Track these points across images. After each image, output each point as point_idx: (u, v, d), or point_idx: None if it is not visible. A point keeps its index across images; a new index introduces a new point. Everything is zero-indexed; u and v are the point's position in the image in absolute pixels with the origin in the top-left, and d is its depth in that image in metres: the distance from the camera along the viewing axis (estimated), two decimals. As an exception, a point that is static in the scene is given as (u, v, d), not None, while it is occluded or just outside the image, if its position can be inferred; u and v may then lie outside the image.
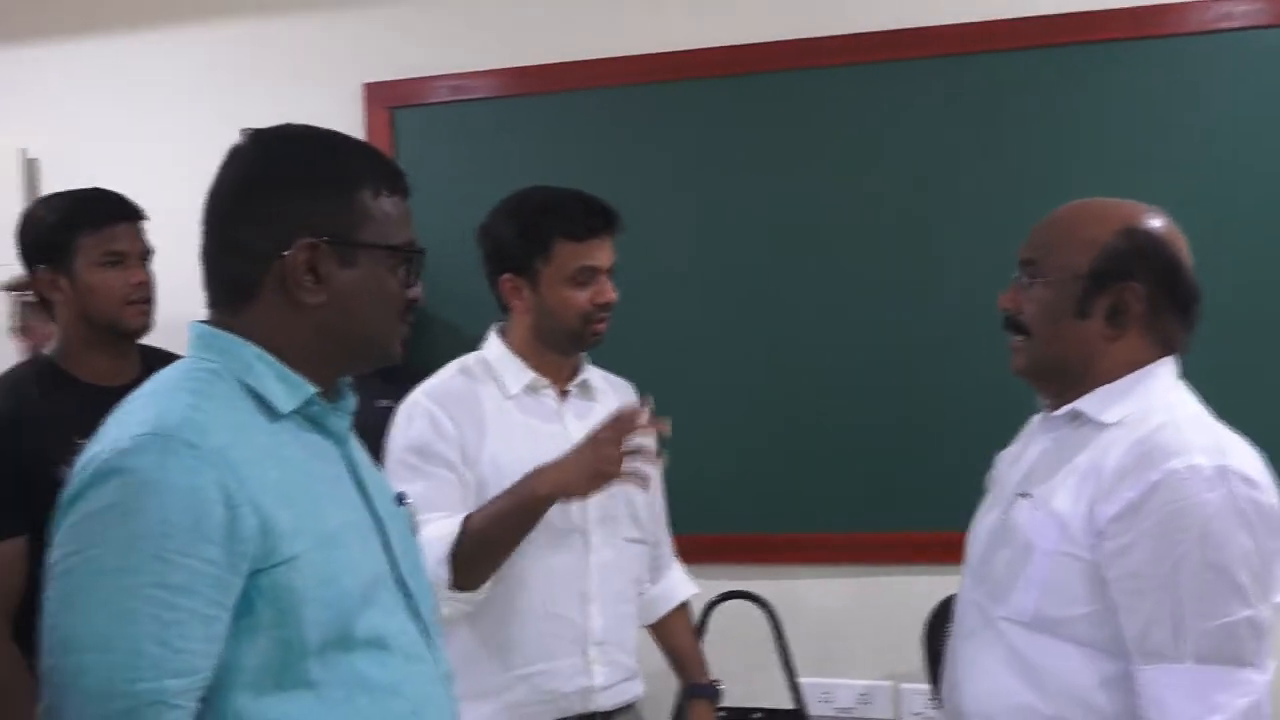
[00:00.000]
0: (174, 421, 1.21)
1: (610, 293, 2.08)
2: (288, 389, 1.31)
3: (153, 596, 1.16)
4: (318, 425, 1.36)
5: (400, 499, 1.49)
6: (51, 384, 2.16)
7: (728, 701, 2.49)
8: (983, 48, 2.76)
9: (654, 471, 2.05)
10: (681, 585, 2.35)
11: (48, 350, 2.24)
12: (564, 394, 2.13)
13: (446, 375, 2.14)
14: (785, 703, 2.71)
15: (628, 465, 1.92)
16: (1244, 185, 2.66)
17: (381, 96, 3.09)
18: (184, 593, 1.17)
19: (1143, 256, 1.58)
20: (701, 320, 2.92)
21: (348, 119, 3.05)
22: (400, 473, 1.99)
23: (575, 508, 2.04)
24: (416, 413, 2.05)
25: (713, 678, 2.34)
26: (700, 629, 2.72)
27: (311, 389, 1.33)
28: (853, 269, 2.84)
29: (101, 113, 3.26)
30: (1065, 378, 1.63)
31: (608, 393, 2.21)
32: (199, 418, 1.23)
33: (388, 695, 1.30)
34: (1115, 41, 2.71)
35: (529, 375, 2.09)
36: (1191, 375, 1.65)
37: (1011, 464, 1.74)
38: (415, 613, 1.39)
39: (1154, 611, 1.46)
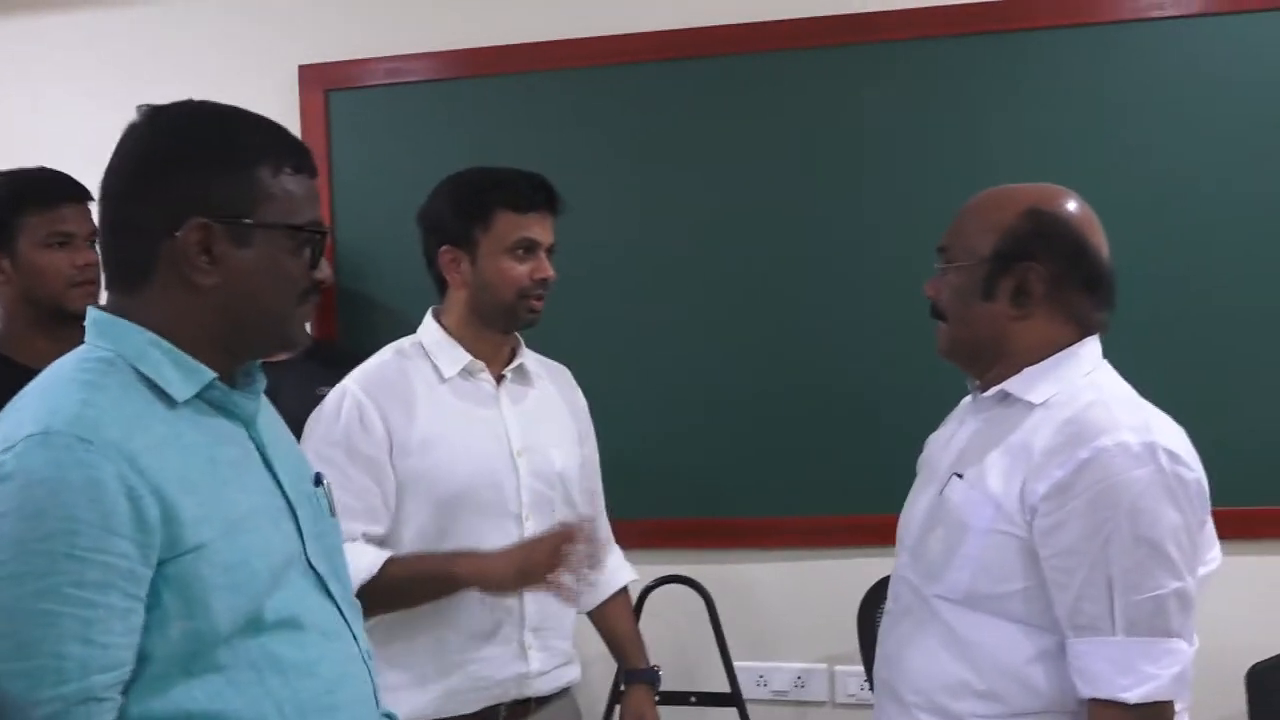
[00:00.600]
0: (65, 419, 1.19)
1: (549, 269, 2.07)
2: (184, 375, 1.28)
3: (70, 596, 1.14)
4: (221, 409, 1.33)
5: (318, 479, 1.47)
6: None
7: (664, 685, 2.51)
8: (937, 32, 2.76)
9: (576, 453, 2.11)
10: (620, 571, 2.35)
11: None
12: (500, 378, 2.12)
13: (379, 360, 2.12)
14: (721, 686, 2.73)
15: (554, 576, 1.89)
16: (1185, 175, 2.69)
17: (316, 79, 3.05)
18: (101, 589, 1.15)
19: (1044, 237, 1.61)
20: (639, 305, 2.91)
21: (282, 102, 3.01)
22: (321, 466, 1.97)
23: (510, 493, 2.04)
24: (346, 404, 2.02)
25: (651, 663, 2.35)
26: (636, 614, 2.74)
27: (209, 374, 1.30)
28: (792, 254, 2.85)
29: (26, 95, 3.19)
30: (982, 358, 1.68)
31: (544, 378, 2.21)
32: (90, 413, 1.20)
33: (301, 675, 1.28)
34: (1097, 26, 2.71)
35: (465, 358, 2.08)
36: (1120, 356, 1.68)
37: (944, 446, 1.77)
38: (327, 592, 1.37)
39: (1085, 586, 1.49)
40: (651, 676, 2.33)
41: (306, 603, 1.33)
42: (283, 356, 2.82)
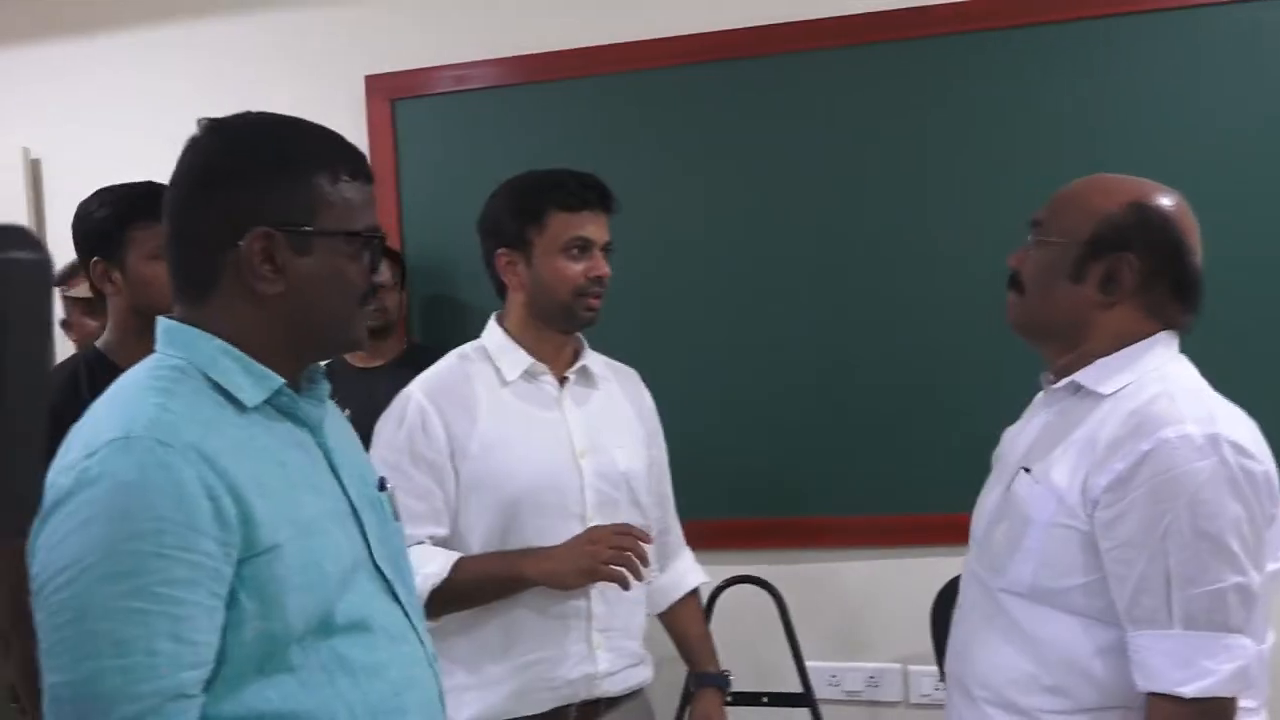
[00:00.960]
0: (144, 423, 1.21)
1: (604, 267, 2.08)
2: (254, 381, 1.31)
3: (160, 594, 1.16)
4: (289, 415, 1.36)
5: (382, 484, 1.49)
6: (100, 376, 2.16)
7: (735, 685, 2.50)
8: (976, 26, 2.75)
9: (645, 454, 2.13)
10: (691, 573, 2.35)
11: (98, 344, 2.25)
12: (563, 380, 2.13)
13: (443, 366, 2.14)
14: (794, 686, 2.72)
15: (617, 568, 1.92)
16: (1247, 166, 2.65)
17: (382, 88, 3.09)
18: (189, 586, 1.18)
19: (1144, 230, 1.60)
20: (707, 305, 2.92)
21: (350, 112, 3.06)
22: (385, 471, 2.00)
23: (573, 494, 2.05)
24: (410, 410, 2.06)
25: (723, 668, 2.34)
26: (707, 615, 2.74)
27: (278, 380, 1.33)
28: (859, 253, 2.84)
29: (103, 111, 3.28)
30: (1055, 339, 1.67)
31: (610, 379, 2.21)
32: (167, 417, 1.23)
33: (370, 677, 1.30)
34: (1108, 17, 2.69)
35: (527, 361, 2.09)
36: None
37: (1015, 440, 1.77)
38: (394, 596, 1.39)
39: (1143, 579, 1.49)
40: (721, 681, 2.32)
41: (374, 606, 1.35)
42: (378, 362, 2.91)
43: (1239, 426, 1.54)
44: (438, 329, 3.03)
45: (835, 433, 2.85)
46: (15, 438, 0.75)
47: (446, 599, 1.94)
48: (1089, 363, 1.63)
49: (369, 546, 1.38)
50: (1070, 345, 1.65)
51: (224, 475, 1.22)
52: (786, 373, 2.88)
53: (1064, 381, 1.66)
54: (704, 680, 2.32)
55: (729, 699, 2.40)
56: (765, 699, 2.75)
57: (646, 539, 1.98)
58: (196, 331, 1.32)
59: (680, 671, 2.51)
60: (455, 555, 1.99)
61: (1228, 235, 2.55)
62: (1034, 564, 1.58)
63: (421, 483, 2.01)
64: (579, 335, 2.19)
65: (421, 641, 1.41)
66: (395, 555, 1.44)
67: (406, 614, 1.40)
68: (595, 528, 1.99)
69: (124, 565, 1.16)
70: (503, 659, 2.02)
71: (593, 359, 2.19)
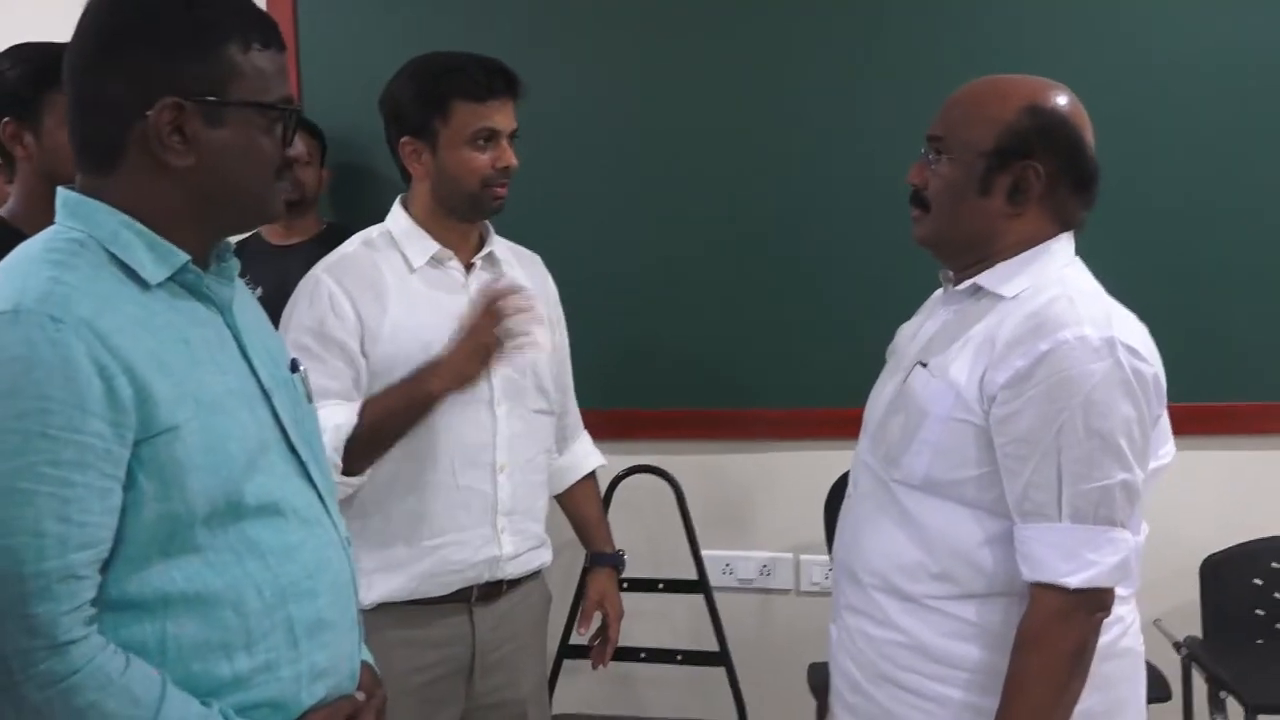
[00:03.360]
0: (35, 296, 1.17)
1: (511, 157, 2.05)
2: (157, 258, 1.27)
3: (47, 475, 1.14)
4: (195, 293, 1.31)
5: (294, 365, 1.46)
6: (4, 245, 2.07)
7: (632, 573, 2.55)
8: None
9: (548, 338, 2.11)
10: (589, 456, 2.38)
11: (2, 211, 2.14)
12: (470, 266, 2.12)
13: (349, 249, 2.11)
14: (689, 574, 2.77)
15: (509, 339, 1.92)
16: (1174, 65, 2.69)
17: (282, -40, 2.96)
18: (77, 467, 1.15)
19: (1045, 134, 1.60)
20: (616, 193, 2.89)
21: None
22: (296, 352, 1.98)
23: (483, 382, 2.04)
24: (319, 292, 2.03)
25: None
26: (606, 503, 2.77)
27: (183, 256, 1.28)
28: (767, 142, 2.83)
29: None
30: (967, 252, 1.67)
31: (514, 264, 2.20)
32: (60, 290, 1.18)
33: (281, 559, 1.29)
34: None
35: (434, 247, 2.08)
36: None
37: (912, 336, 1.78)
38: (309, 478, 1.38)
39: (1035, 473, 1.52)
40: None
41: (286, 488, 1.33)
42: (294, 240, 2.83)
43: (1132, 330, 1.58)
44: (344, 207, 2.97)
45: (736, 327, 2.87)
46: None
47: (364, 445, 1.94)
48: (990, 265, 1.64)
49: (282, 428, 1.35)
50: (979, 256, 1.65)
51: (118, 353, 1.18)
52: (689, 265, 2.88)
53: (965, 284, 1.67)
54: (599, 560, 2.36)
55: (624, 583, 2.44)
56: (661, 585, 2.81)
57: (520, 295, 1.96)
58: (98, 204, 1.26)
59: (577, 555, 2.54)
60: (358, 401, 1.98)
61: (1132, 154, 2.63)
62: (929, 456, 1.60)
63: (333, 364, 2.00)
64: (485, 221, 2.17)
65: (335, 524, 1.40)
66: (310, 437, 1.42)
67: (320, 496, 1.39)
68: (466, 321, 1.96)
69: (8, 444, 1.13)
70: (411, 542, 2.03)
71: (499, 245, 2.17)
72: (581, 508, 2.38)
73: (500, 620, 2.12)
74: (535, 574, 2.20)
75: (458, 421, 2.02)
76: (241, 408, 1.30)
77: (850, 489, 1.81)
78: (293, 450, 1.36)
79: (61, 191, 1.29)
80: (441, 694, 2.09)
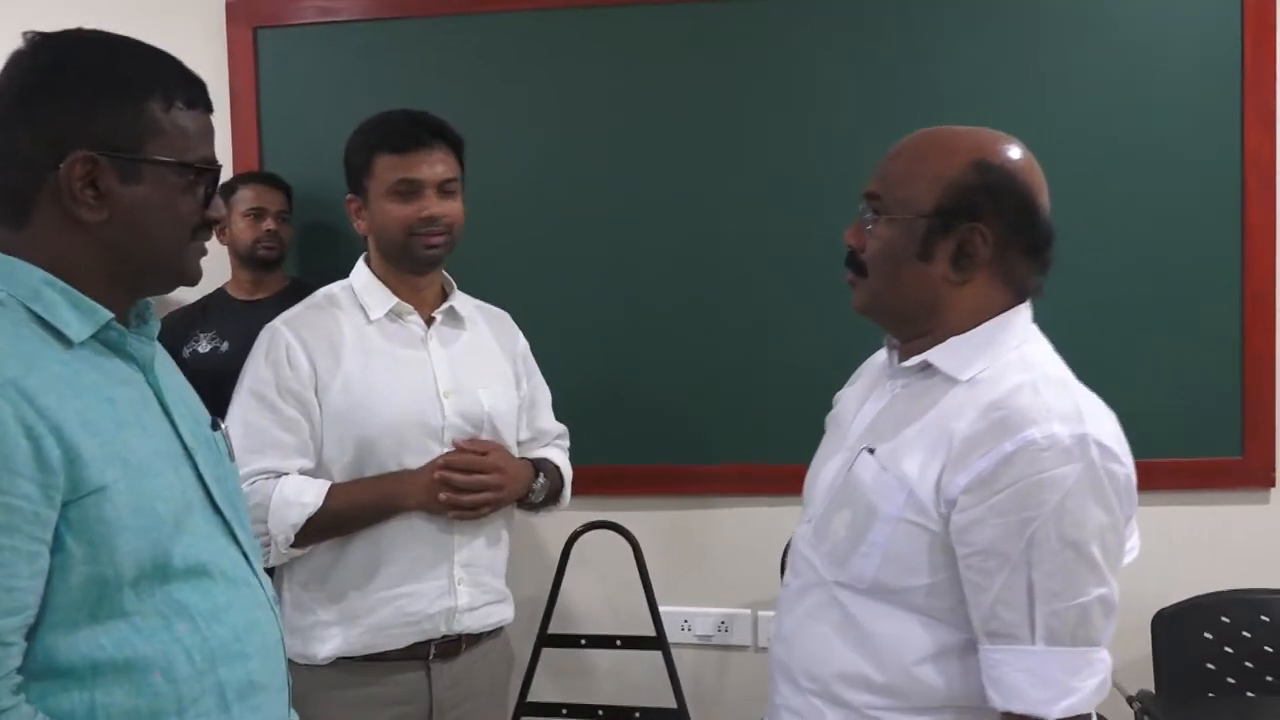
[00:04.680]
0: None
1: (435, 206, 2.06)
2: (80, 315, 1.24)
3: None
4: (117, 351, 1.29)
5: (215, 424, 1.43)
6: None
7: (590, 629, 2.54)
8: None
9: (508, 392, 2.18)
10: (546, 450, 2.29)
11: None
12: (430, 321, 2.13)
13: (310, 303, 2.14)
14: (647, 630, 2.76)
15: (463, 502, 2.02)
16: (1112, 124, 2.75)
17: (244, 15, 2.99)
18: (4, 531, 1.12)
19: (993, 193, 1.44)
20: (579, 253, 2.92)
21: (209, 38, 2.95)
22: (251, 404, 2.02)
23: (435, 432, 2.06)
24: (275, 343, 2.06)
25: (543, 481, 2.21)
26: (564, 558, 2.76)
27: (106, 314, 1.26)
28: (721, 205, 2.87)
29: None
30: (909, 321, 1.52)
31: (479, 321, 2.21)
32: None
33: (209, 621, 1.26)
34: None
35: (392, 300, 2.10)
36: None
37: (855, 409, 1.63)
38: (234, 537, 1.35)
39: (1004, 590, 1.37)
40: (538, 466, 2.20)
41: (212, 548, 1.30)
42: (261, 295, 2.84)
43: (1104, 423, 1.42)
44: (309, 263, 2.98)
45: (694, 383, 2.89)
46: None
47: (320, 527, 1.98)
48: (942, 340, 1.49)
49: (205, 487, 1.33)
50: (923, 326, 1.50)
51: (45, 414, 1.15)
52: (649, 324, 2.90)
53: (915, 360, 1.51)
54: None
55: (582, 640, 2.41)
56: (619, 642, 2.80)
57: (495, 469, 2.04)
58: (17, 261, 1.23)
59: (535, 612, 2.53)
60: (327, 484, 2.00)
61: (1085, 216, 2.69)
62: (878, 559, 1.45)
63: (288, 415, 2.01)
64: (446, 276, 2.19)
65: (261, 584, 1.37)
66: (233, 495, 1.39)
67: (245, 556, 1.36)
68: (454, 453, 2.04)
69: None
70: (367, 592, 2.03)
71: (461, 300, 2.18)
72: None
73: (458, 678, 2.10)
74: (496, 631, 2.19)
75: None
76: (167, 468, 1.28)
77: (789, 577, 1.64)
78: (216, 510, 1.34)
79: None
80: None
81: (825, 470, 1.61)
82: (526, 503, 2.18)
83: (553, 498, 2.26)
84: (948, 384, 1.47)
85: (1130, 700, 2.59)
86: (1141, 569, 2.68)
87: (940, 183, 1.45)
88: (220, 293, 2.93)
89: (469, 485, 2.02)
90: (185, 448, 1.32)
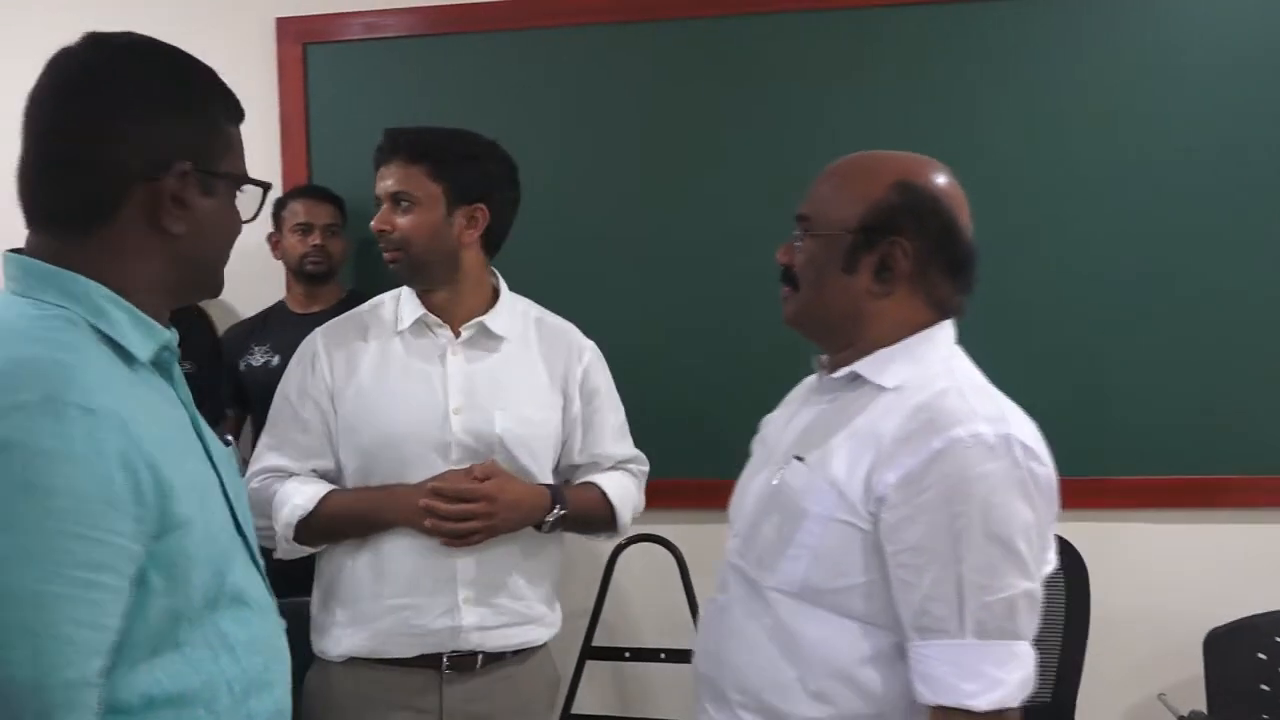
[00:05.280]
0: (59, 383, 1.09)
1: (375, 220, 2.05)
2: (142, 334, 1.22)
3: (75, 578, 1.07)
4: (164, 372, 1.27)
5: (227, 440, 1.40)
6: None
7: (634, 642, 2.53)
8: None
9: (542, 412, 2.13)
10: (604, 476, 2.21)
11: None
12: (459, 334, 2.11)
13: (353, 312, 2.20)
14: (691, 643, 2.75)
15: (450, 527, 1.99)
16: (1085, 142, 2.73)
17: (294, 32, 3.03)
18: (103, 570, 1.09)
19: (914, 212, 1.50)
20: (617, 269, 2.93)
21: (259, 54, 2.99)
22: (279, 404, 2.11)
23: (440, 449, 2.05)
24: (305, 351, 2.13)
25: (559, 511, 2.11)
26: (608, 571, 2.76)
27: (165, 333, 1.25)
28: (756, 221, 2.86)
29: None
30: (834, 333, 1.58)
31: (529, 338, 2.16)
32: (82, 378, 1.11)
33: (247, 651, 1.25)
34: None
35: (419, 311, 2.10)
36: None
37: (783, 427, 1.66)
38: (254, 560, 1.33)
39: (934, 585, 1.38)
40: (556, 494, 2.11)
41: (245, 574, 1.28)
42: (317, 308, 2.88)
43: (1025, 427, 1.45)
44: (366, 275, 3.02)
45: (739, 397, 2.87)
46: None
47: (316, 529, 2.02)
48: (869, 352, 1.54)
49: (230, 509, 1.30)
50: (850, 338, 1.56)
51: (138, 444, 1.12)
52: (693, 337, 2.90)
53: (842, 371, 1.56)
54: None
55: (627, 653, 2.39)
56: (663, 655, 2.79)
57: (484, 497, 1.99)
58: (75, 276, 1.19)
59: (582, 626, 2.52)
60: (326, 489, 2.04)
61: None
62: (807, 560, 1.47)
63: (305, 417, 2.08)
64: (500, 287, 2.17)
65: (276, 607, 1.36)
66: (248, 515, 1.36)
67: (263, 578, 1.34)
68: (450, 473, 2.01)
69: (37, 545, 1.06)
70: (374, 599, 2.04)
71: (502, 315, 2.14)
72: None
73: (476, 693, 2.06)
74: (525, 651, 2.12)
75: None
76: (214, 493, 1.26)
77: (715, 594, 1.64)
78: (239, 531, 1.31)
79: (15, 257, 1.22)
80: None
81: (753, 485, 1.64)
82: (543, 528, 2.09)
83: (584, 525, 2.19)
84: (875, 392, 1.51)
85: (1181, 720, 2.56)
86: (1193, 587, 2.68)
87: (865, 202, 1.51)
88: (279, 306, 2.97)
89: (453, 514, 1.98)
90: (215, 469, 1.30)
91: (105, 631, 1.10)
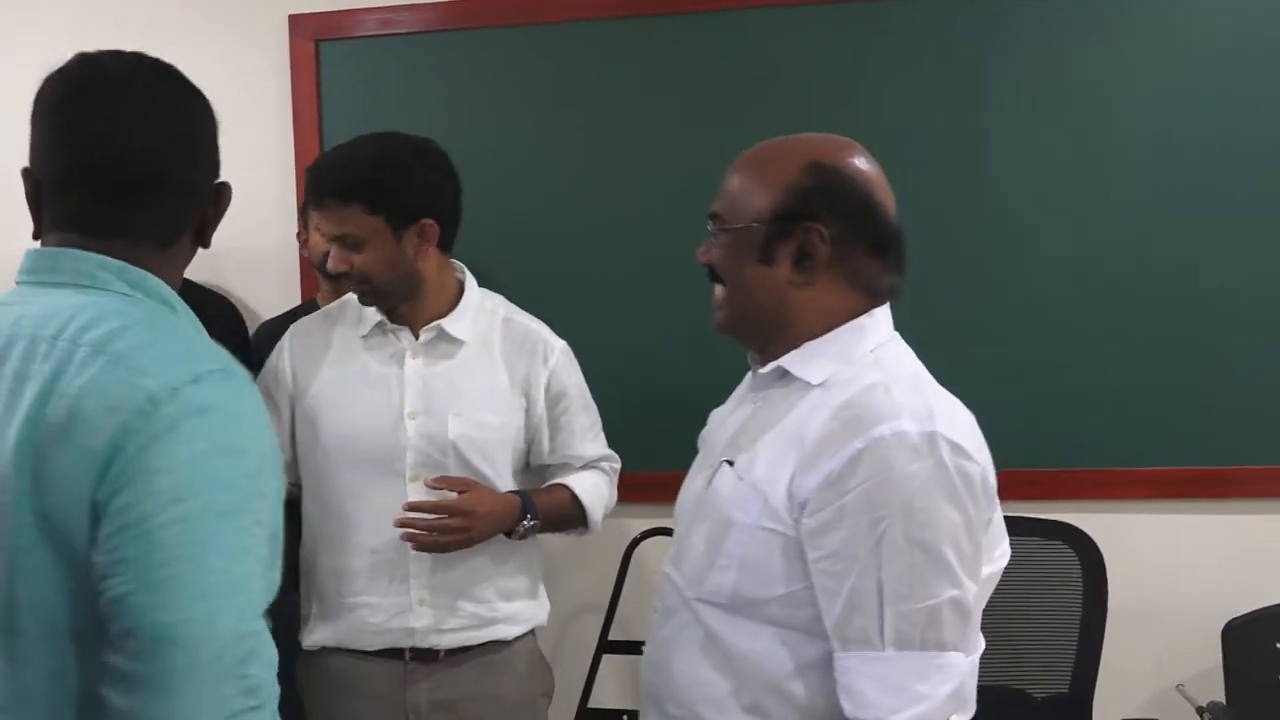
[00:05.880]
0: (222, 354, 1.22)
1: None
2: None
3: (255, 534, 1.16)
4: None
5: None
6: None
7: (641, 635, 2.52)
8: None
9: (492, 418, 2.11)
10: (575, 477, 2.21)
11: None
12: (418, 337, 2.12)
13: (326, 309, 2.24)
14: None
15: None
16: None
17: (307, 29, 3.03)
18: (264, 525, 1.18)
19: (829, 194, 1.43)
20: (626, 263, 2.92)
21: (272, 51, 2.99)
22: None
23: (395, 452, 2.06)
24: (276, 350, 2.18)
25: (530, 522, 2.12)
26: (624, 563, 2.76)
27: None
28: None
29: (11, 44, 3.16)
30: (763, 331, 1.51)
31: (491, 341, 2.14)
32: (227, 355, 1.23)
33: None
34: None
35: (379, 316, 2.11)
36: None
37: (722, 424, 1.61)
38: None
39: (854, 594, 1.33)
40: (526, 502, 2.10)
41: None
42: (278, 315, 2.88)
43: (957, 421, 1.39)
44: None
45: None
46: None
47: None
48: (796, 345, 1.47)
49: None
50: (777, 334, 1.49)
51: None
52: (701, 330, 2.87)
53: (770, 367, 1.50)
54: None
55: (642, 645, 2.39)
56: (678, 649, 2.79)
57: (460, 513, 1.99)
58: (160, 282, 1.28)
59: (587, 626, 2.52)
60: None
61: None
62: (736, 571, 1.41)
63: (274, 409, 2.10)
64: (469, 285, 2.16)
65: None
66: None
67: None
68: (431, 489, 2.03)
69: (236, 502, 1.15)
70: (337, 596, 2.10)
71: (462, 319, 2.12)
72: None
73: (441, 683, 2.10)
74: (495, 644, 2.12)
75: (369, 489, 2.06)
76: None
77: (656, 602, 1.60)
78: None
79: (111, 263, 1.26)
80: None
81: (690, 489, 1.60)
82: (513, 535, 2.10)
83: (557, 527, 2.19)
84: (803, 389, 1.45)
85: (1200, 711, 2.55)
86: (1210, 577, 2.67)
87: (777, 188, 1.45)
88: (310, 303, 2.99)
89: (431, 526, 1.98)
90: None
91: (269, 583, 1.20)
